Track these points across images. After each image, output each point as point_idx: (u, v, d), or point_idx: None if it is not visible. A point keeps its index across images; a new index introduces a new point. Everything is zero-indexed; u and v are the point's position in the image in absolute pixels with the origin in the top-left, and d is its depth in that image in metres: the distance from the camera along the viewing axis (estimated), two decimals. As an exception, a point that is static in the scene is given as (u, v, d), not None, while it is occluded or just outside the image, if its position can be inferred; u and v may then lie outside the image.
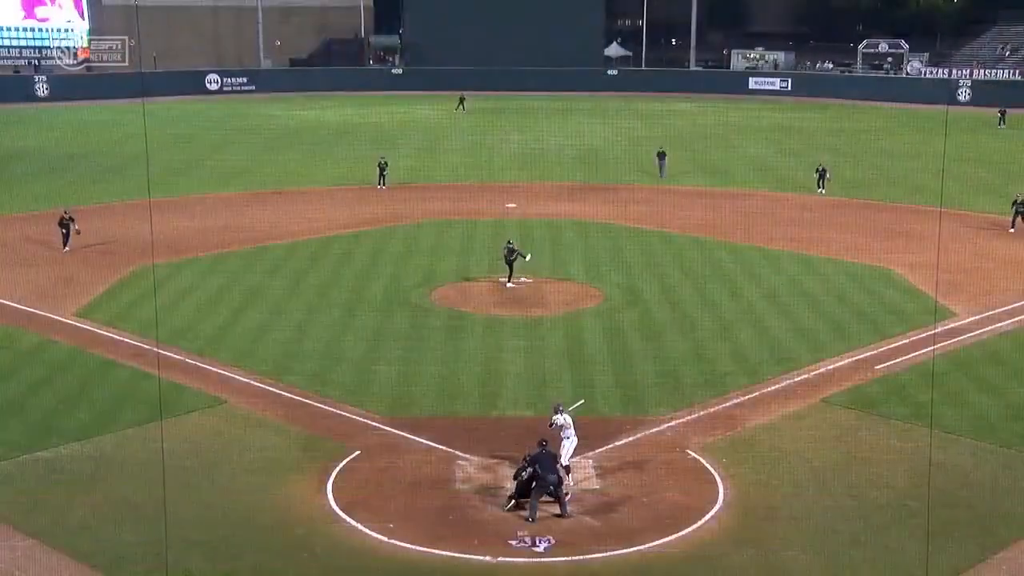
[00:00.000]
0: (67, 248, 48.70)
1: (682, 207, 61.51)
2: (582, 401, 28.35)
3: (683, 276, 46.07)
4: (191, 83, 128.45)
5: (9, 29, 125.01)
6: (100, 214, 55.36)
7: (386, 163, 67.60)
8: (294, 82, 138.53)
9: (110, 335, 37.38)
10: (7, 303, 41.22)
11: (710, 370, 34.28)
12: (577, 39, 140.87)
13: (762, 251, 50.38)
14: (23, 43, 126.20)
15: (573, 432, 26.10)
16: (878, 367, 34.43)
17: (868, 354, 35.71)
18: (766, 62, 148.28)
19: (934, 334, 35.62)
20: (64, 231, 49.00)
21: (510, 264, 43.61)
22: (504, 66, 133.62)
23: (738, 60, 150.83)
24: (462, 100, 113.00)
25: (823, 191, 65.70)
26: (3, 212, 58.65)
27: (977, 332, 38.08)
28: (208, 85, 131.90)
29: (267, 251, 50.17)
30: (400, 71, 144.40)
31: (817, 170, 66.79)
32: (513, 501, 24.63)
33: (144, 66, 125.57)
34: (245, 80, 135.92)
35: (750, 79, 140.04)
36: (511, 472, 25.38)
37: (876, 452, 28.03)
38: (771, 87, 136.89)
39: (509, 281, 43.47)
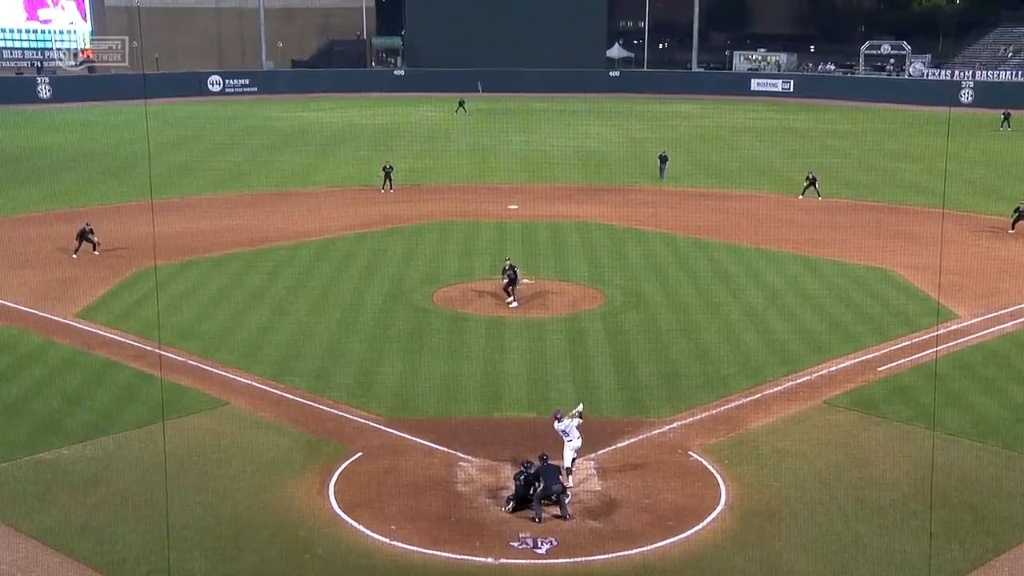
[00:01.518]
0: (76, 255, 48.46)
1: (684, 208, 61.45)
2: (581, 406, 27.86)
3: (685, 277, 46.02)
4: (193, 85, 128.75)
5: (12, 31, 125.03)
6: (102, 215, 55.30)
7: (391, 167, 67.25)
8: (296, 83, 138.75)
9: (112, 336, 37.37)
10: (9, 304, 41.22)
11: (712, 371, 34.23)
12: (579, 40, 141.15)
13: (764, 252, 50.34)
14: (25, 45, 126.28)
15: (577, 435, 26.05)
16: (880, 369, 34.39)
17: (870, 356, 35.66)
18: (768, 64, 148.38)
19: (936, 336, 35.59)
20: (79, 242, 48.76)
21: (510, 284, 41.57)
22: (506, 67, 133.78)
23: (740, 61, 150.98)
24: (462, 103, 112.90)
25: (810, 197, 64.85)
26: (5, 213, 58.70)
27: (979, 334, 38.01)
28: (210, 87, 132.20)
29: (269, 252, 50.16)
30: (402, 72, 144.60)
31: (807, 177, 66.14)
32: (512, 503, 24.63)
33: (146, 68, 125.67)
34: (247, 82, 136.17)
35: (752, 80, 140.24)
36: (513, 474, 25.36)
37: (878, 454, 27.99)
38: (773, 88, 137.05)
39: (513, 300, 41.28)
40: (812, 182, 65.49)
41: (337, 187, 69.05)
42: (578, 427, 26.10)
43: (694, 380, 33.47)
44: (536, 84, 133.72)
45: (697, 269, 47.48)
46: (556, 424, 26.24)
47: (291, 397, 31.91)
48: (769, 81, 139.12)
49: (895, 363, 34.82)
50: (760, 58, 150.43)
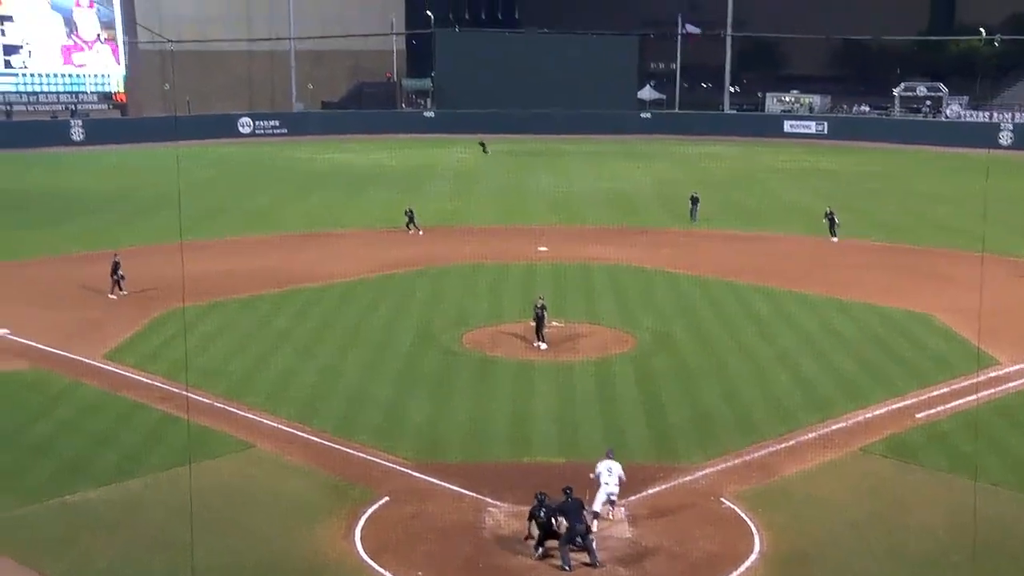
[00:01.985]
0: (113, 295, 48.48)
1: (715, 250, 61.03)
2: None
3: (716, 320, 45.49)
4: (224, 127, 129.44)
5: (47, 75, 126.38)
6: (132, 257, 55.30)
7: (412, 211, 67.06)
8: (326, 125, 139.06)
9: (139, 378, 37.22)
10: (37, 345, 41.17)
11: (744, 417, 33.68)
12: (611, 82, 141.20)
13: (797, 295, 49.74)
14: (60, 88, 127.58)
15: (615, 481, 25.60)
16: (919, 415, 33.72)
17: (908, 402, 35.01)
18: (801, 105, 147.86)
19: (976, 382, 34.80)
20: (114, 278, 48.73)
21: (539, 323, 41.25)
22: (537, 109, 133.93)
23: (773, 103, 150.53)
24: (483, 145, 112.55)
25: (836, 238, 63.81)
26: (36, 254, 58.92)
27: (1021, 380, 37.27)
28: (240, 128, 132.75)
29: (297, 294, 50.00)
30: (432, 114, 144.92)
31: (826, 215, 64.97)
32: (541, 548, 24.11)
33: (178, 110, 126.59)
34: (277, 123, 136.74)
35: (786, 122, 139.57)
36: (528, 513, 24.70)
37: (916, 503, 27.36)
38: (807, 130, 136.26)
39: (542, 342, 41.00)
40: (832, 220, 64.57)
41: (366, 228, 68.96)
42: (620, 474, 25.69)
43: (726, 425, 32.94)
44: (567, 126, 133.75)
45: (729, 312, 46.94)
46: (601, 463, 25.84)
47: (318, 440, 31.61)
48: (803, 123, 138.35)
49: (933, 409, 34.15)
50: (793, 99, 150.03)
